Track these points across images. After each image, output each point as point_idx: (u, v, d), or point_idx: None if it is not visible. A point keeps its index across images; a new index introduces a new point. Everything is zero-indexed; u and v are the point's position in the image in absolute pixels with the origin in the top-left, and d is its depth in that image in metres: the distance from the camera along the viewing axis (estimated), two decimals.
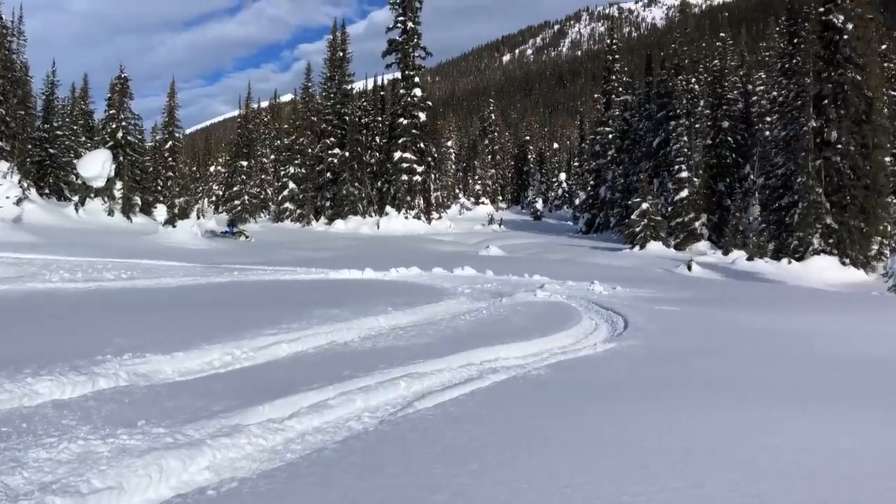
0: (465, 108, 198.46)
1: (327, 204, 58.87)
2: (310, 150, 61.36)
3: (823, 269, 26.94)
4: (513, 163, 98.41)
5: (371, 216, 56.22)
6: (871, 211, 28.39)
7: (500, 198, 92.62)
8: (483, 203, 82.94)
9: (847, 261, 27.88)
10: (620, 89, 56.11)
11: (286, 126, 66.27)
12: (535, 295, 13.28)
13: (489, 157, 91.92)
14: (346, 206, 55.73)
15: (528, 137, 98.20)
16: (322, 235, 46.13)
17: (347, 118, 60.21)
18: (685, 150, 40.52)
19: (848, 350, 8.35)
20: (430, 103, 56.91)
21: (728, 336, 9.24)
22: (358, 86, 65.86)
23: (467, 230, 56.37)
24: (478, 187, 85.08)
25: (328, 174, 59.59)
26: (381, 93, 64.76)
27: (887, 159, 32.58)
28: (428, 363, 6.94)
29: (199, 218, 59.36)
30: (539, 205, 75.28)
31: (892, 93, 44.91)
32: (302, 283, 14.50)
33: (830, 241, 28.37)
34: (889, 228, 30.03)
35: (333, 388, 5.81)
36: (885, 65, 41.51)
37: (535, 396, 5.76)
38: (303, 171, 60.25)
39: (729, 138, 41.60)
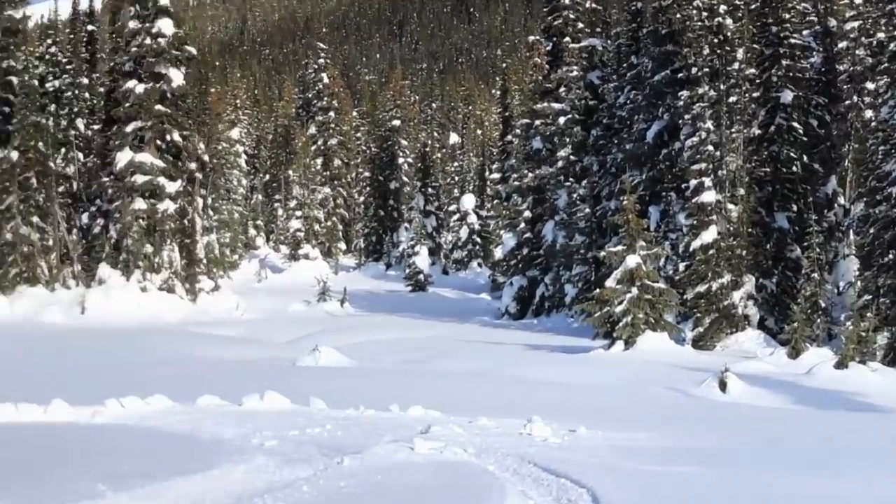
0: (269, 60, 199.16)
1: None
2: None
3: None
4: (368, 174, 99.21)
5: (68, 287, 54.81)
6: None
7: (343, 246, 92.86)
8: (308, 257, 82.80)
9: None
10: (581, 26, 57.69)
11: None
12: (412, 448, 13.16)
13: (319, 160, 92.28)
14: (14, 266, 54.21)
15: (397, 122, 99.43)
16: None
17: (14, 80, 58.85)
18: (710, 147, 41.82)
19: None
20: (193, 51, 56.68)
21: None
22: (39, 13, 65.07)
23: (275, 313, 55.68)
24: (296, 225, 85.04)
25: None
26: (90, 28, 63.92)
27: None
28: None
29: None
30: (422, 261, 75.81)
31: None
32: None
33: None
34: None
35: None
36: None
37: None
38: None
39: (795, 125, 43.28)
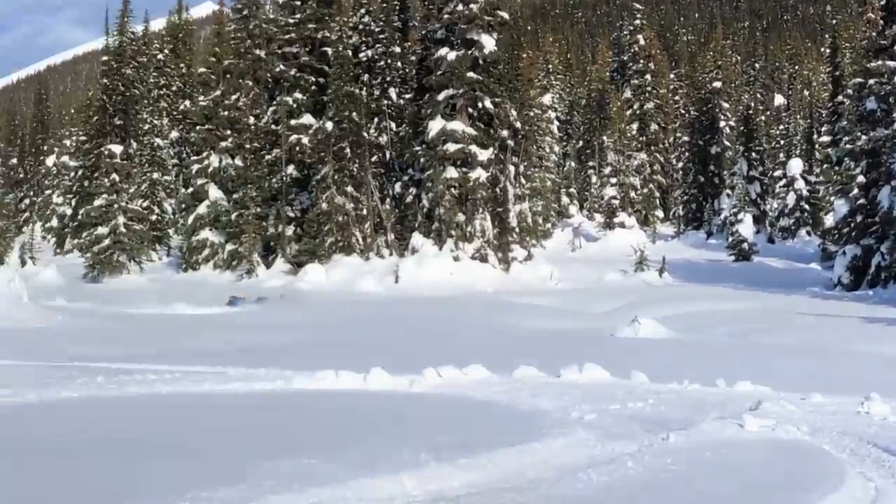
0: (582, 23, 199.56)
1: (289, 231, 59.18)
2: (252, 119, 61.86)
3: None
4: (687, 138, 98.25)
5: (381, 256, 56.36)
6: None
7: (661, 214, 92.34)
8: (623, 226, 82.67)
9: None
10: None
11: (202, 70, 67.14)
12: (741, 426, 13.08)
13: (634, 125, 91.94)
14: (329, 235, 56.01)
15: (717, 84, 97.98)
16: (278, 296, 46.45)
17: (329, 51, 60.75)
18: None
19: None
20: (505, 16, 57.20)
21: None
22: None
23: (589, 283, 55.88)
24: (611, 192, 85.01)
25: (290, 168, 59.89)
26: None
27: None
28: None
29: (23, 263, 60.17)
30: (746, 229, 74.62)
31: None
32: (241, 401, 15.05)
33: None
34: None
35: None
36: None
37: None
38: (238, 161, 60.76)
39: None
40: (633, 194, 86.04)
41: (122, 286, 56.66)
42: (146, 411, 14.08)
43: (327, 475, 9.29)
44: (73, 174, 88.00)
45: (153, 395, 15.91)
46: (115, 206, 62.40)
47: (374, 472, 9.48)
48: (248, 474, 9.17)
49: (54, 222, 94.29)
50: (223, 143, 61.93)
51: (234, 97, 63.02)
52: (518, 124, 59.00)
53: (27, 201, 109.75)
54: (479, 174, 54.26)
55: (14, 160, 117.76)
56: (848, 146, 59.35)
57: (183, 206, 67.75)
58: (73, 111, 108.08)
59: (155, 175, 76.95)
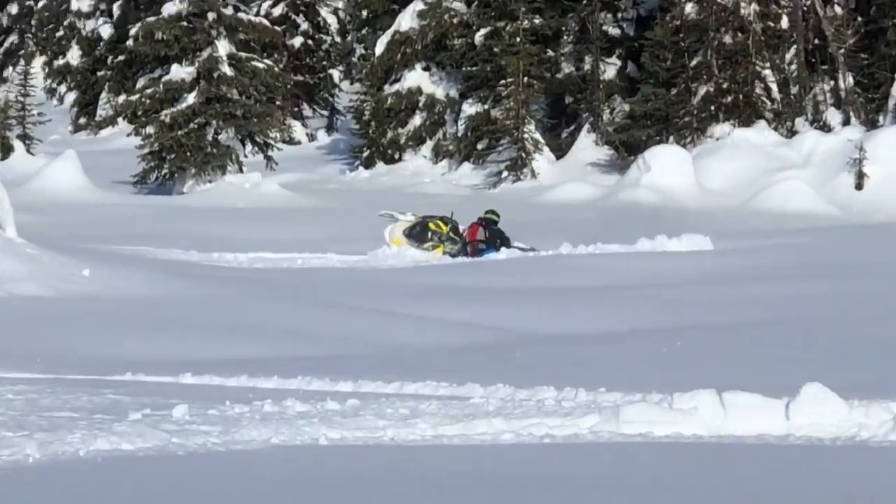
0: None
1: (609, 73, 60.30)
2: None
3: None
4: None
5: (826, 128, 56.92)
6: None
7: None
8: None
9: None
10: None
11: None
12: None
13: None
14: (700, 80, 56.98)
15: None
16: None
17: None
18: None
19: None
20: None
21: None
22: None
23: None
24: None
25: None
26: None
27: None
28: None
29: (5, 152, 62.83)
30: None
31: None
32: (500, 460, 15.87)
33: None
34: None
35: None
36: None
37: None
38: None
39: None
40: None
41: (225, 201, 57.56)
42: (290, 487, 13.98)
43: None
44: None
45: (295, 448, 16.40)
46: (211, 17, 62.69)
47: None
48: None
49: (73, 57, 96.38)
50: None
51: None
52: None
53: (11, 13, 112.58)
54: None
55: None
56: None
57: (364, 14, 68.36)
58: None
59: None
